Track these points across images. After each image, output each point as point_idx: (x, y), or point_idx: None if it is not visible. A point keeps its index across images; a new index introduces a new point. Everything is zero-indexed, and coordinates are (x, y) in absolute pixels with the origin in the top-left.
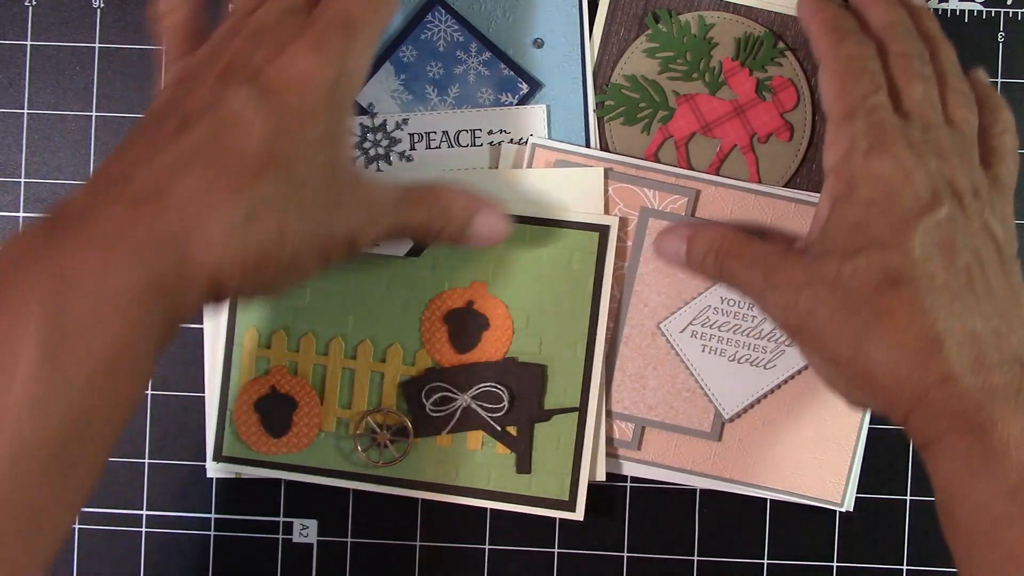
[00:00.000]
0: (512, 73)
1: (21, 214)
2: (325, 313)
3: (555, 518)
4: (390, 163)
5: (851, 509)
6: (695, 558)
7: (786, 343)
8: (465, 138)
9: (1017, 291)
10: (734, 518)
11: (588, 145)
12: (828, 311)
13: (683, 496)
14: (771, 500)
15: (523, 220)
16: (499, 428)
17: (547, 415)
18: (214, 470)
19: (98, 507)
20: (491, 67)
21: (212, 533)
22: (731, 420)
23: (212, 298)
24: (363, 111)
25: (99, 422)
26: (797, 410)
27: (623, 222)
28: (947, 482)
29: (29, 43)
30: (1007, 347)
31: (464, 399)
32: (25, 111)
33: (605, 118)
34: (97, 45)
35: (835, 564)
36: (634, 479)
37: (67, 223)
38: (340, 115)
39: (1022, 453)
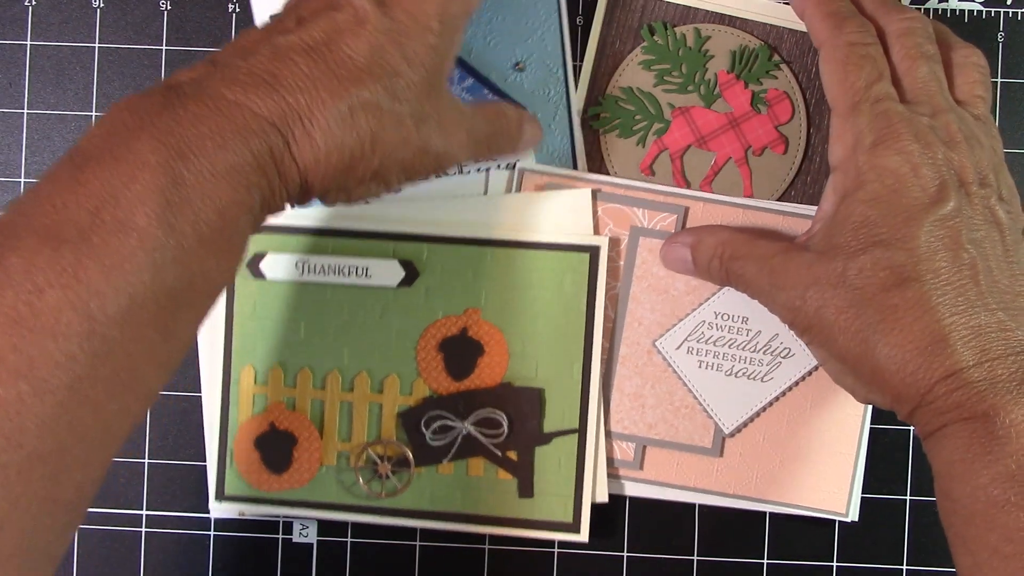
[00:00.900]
0: (495, 98)
1: None
2: (320, 347)
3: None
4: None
5: (856, 519)
6: (695, 558)
7: (782, 355)
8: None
9: (1021, 281)
10: (735, 524)
11: (575, 166)
12: (835, 310)
13: (685, 509)
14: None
15: (514, 244)
16: (500, 454)
17: (547, 438)
18: (218, 510)
19: (98, 507)
20: (474, 92)
21: (212, 533)
22: (731, 435)
23: (298, 193)
24: None
25: (200, 288)
26: (797, 421)
27: (614, 242)
28: (948, 465)
29: (29, 43)
30: (1012, 339)
31: (463, 426)
32: (25, 111)
33: (601, 130)
34: (97, 45)
35: (835, 564)
36: (635, 498)
37: (184, 94)
38: (449, 34)
39: (1023, 440)
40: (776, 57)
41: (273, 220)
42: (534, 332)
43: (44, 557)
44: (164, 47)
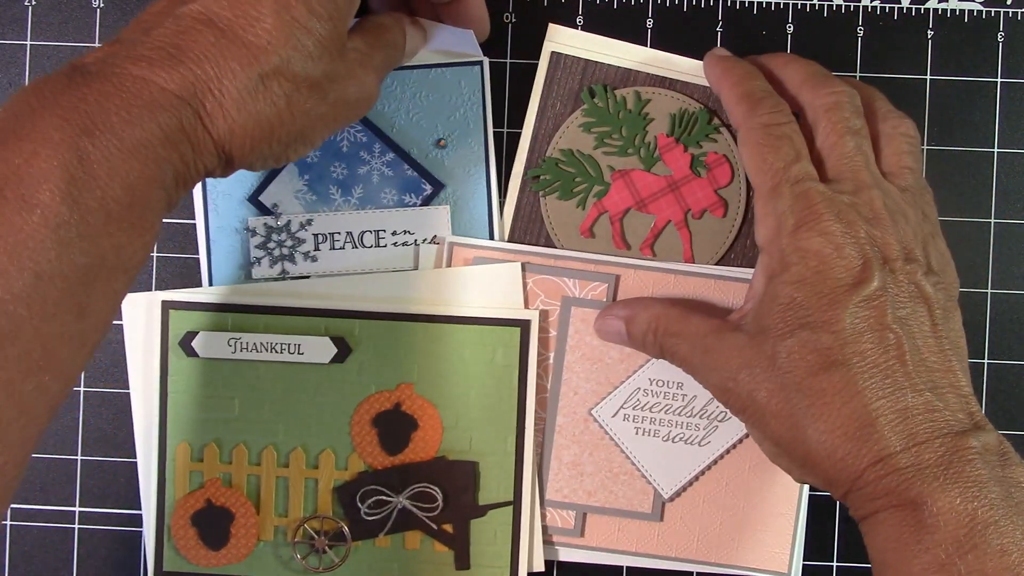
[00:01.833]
0: (415, 174)
1: None
2: (255, 423)
3: None
4: (295, 263)
5: None
6: None
7: (719, 419)
8: (369, 239)
9: (949, 357)
10: None
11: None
12: (766, 394)
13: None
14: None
15: (445, 319)
16: (435, 527)
17: (482, 511)
18: None
19: (98, 507)
20: (394, 168)
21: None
22: (671, 499)
23: (222, 165)
24: (267, 211)
25: (112, 264)
26: (736, 484)
27: (545, 313)
28: (881, 554)
29: (29, 43)
30: (939, 420)
31: (399, 500)
32: None
33: (541, 192)
34: (97, 45)
35: None
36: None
37: (89, 73)
38: None
39: (951, 528)
40: (716, 120)
41: (204, 297)
42: (467, 405)
43: None
44: None
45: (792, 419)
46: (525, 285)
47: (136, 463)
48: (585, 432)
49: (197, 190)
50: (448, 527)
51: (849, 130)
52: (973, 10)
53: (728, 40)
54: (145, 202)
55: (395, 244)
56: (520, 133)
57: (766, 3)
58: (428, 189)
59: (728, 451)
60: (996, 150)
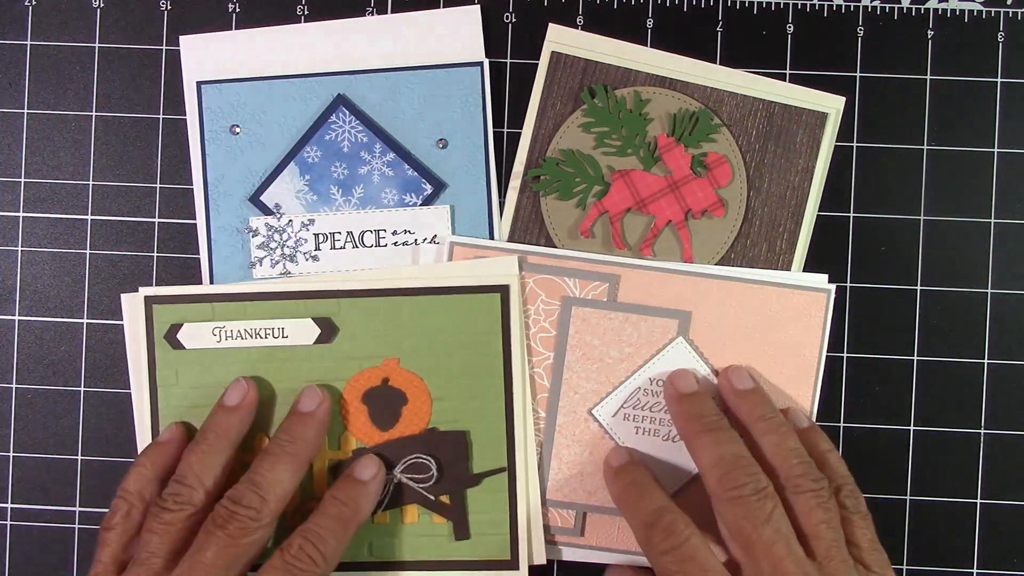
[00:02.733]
0: (416, 174)
1: (21, 214)
2: None
3: None
4: (296, 263)
5: None
6: None
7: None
8: (370, 238)
9: None
10: None
11: (492, 238)
12: None
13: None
14: None
15: (426, 292)
16: (433, 498)
17: (477, 479)
18: None
19: (98, 507)
20: (395, 168)
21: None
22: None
23: None
24: (268, 211)
25: None
26: None
27: (547, 312)
28: None
29: (29, 43)
30: None
31: (394, 475)
32: (25, 111)
33: (540, 192)
34: (97, 45)
35: None
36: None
37: None
38: None
39: None
40: (716, 120)
41: (187, 290)
42: (454, 376)
43: None
44: (164, 47)
45: None
46: (526, 284)
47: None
48: (585, 432)
49: (198, 190)
50: (444, 498)
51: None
52: (973, 10)
53: (728, 40)
54: None
55: (395, 244)
56: (520, 133)
57: (766, 3)
58: (428, 189)
59: None
60: (996, 150)
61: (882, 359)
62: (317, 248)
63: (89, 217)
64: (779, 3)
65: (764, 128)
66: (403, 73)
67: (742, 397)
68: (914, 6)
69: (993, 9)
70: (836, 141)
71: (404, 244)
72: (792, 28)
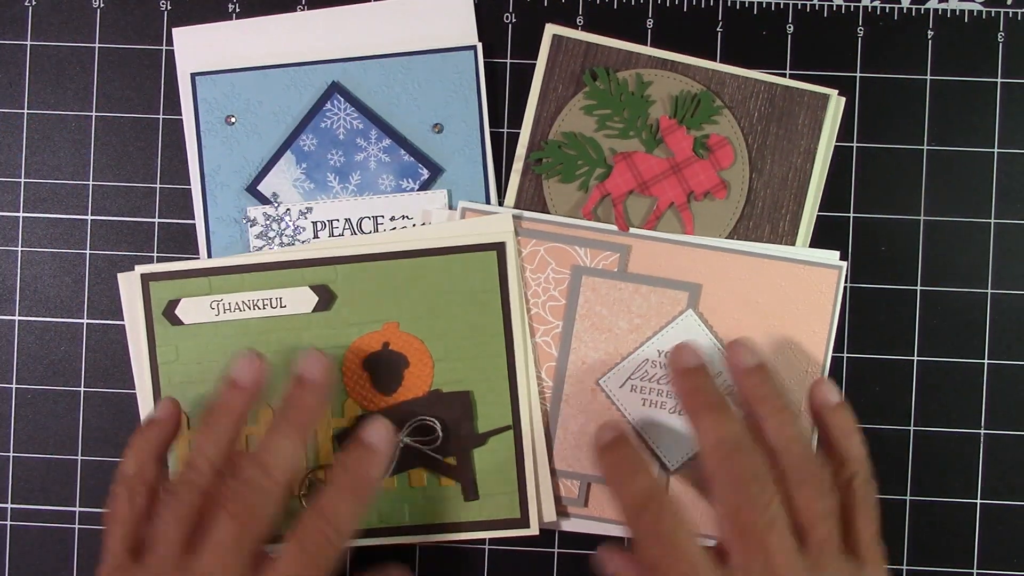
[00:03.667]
0: (412, 159)
1: (21, 214)
2: None
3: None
4: None
5: None
6: None
7: (726, 393)
8: (368, 225)
9: None
10: None
11: None
12: None
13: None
14: None
15: (422, 253)
16: (440, 458)
17: (482, 439)
18: None
19: (98, 507)
20: (391, 153)
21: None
22: (676, 471)
23: None
24: (266, 200)
25: None
26: None
27: (557, 281)
28: None
29: (29, 43)
30: None
31: (399, 438)
32: (25, 111)
33: (543, 175)
34: (97, 45)
35: None
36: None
37: None
38: None
39: None
40: (718, 102)
41: (183, 266)
42: (454, 336)
43: None
44: (164, 47)
45: None
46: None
47: None
48: (592, 402)
49: (195, 180)
50: (451, 460)
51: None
52: (973, 10)
53: (728, 40)
54: None
55: (393, 230)
56: (520, 130)
57: (766, 3)
58: (425, 174)
59: None
60: (996, 150)
61: (882, 359)
62: (315, 236)
63: (89, 217)
64: (779, 3)
65: (766, 110)
66: (397, 59)
67: (746, 375)
68: (914, 6)
69: (993, 9)
70: (836, 141)
71: (403, 230)
72: (792, 28)
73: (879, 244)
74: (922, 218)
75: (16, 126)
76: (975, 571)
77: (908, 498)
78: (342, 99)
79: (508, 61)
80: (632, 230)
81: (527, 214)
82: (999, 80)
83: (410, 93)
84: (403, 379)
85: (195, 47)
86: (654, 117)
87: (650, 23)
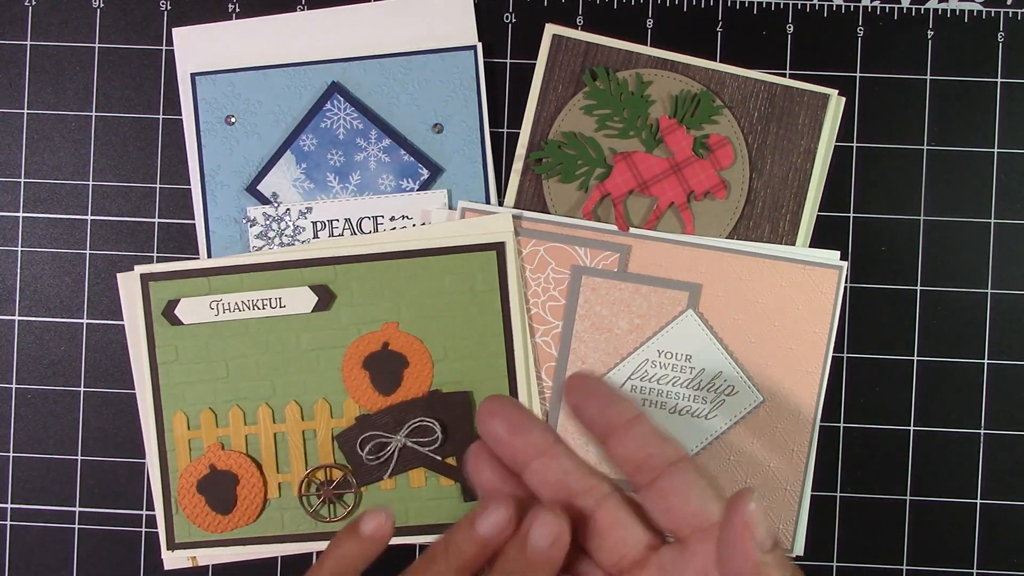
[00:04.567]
0: (412, 159)
1: (21, 214)
2: (247, 383)
3: None
4: None
5: (802, 553)
6: None
7: (726, 393)
8: (368, 225)
9: None
10: None
11: None
12: None
13: None
14: None
15: (422, 253)
16: (439, 460)
17: None
18: (171, 560)
19: (98, 507)
20: (391, 153)
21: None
22: None
23: None
24: (266, 200)
25: None
26: (741, 458)
27: (556, 281)
28: None
29: (29, 43)
30: None
31: (398, 439)
32: (25, 111)
33: (543, 175)
34: (97, 45)
35: None
36: None
37: None
38: None
39: None
40: (718, 102)
41: (183, 266)
42: (454, 336)
43: None
44: (164, 47)
45: None
46: (535, 254)
47: (136, 461)
48: None
49: (195, 180)
50: (451, 460)
51: None
52: (973, 10)
53: (728, 40)
54: None
55: (393, 230)
56: (520, 130)
57: (766, 3)
58: (425, 174)
59: (734, 425)
60: (996, 150)
61: (882, 359)
62: (315, 236)
63: (89, 217)
64: (779, 3)
65: (766, 109)
66: (397, 59)
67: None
68: (914, 6)
69: (993, 9)
70: (836, 141)
71: (402, 229)
72: (792, 28)
73: (879, 244)
74: (922, 218)
75: (16, 126)
76: (975, 571)
77: (908, 498)
78: (342, 99)
79: (508, 61)
80: (632, 230)
81: (527, 214)
82: (999, 80)
83: (410, 93)
84: (403, 379)
85: (195, 47)
86: (654, 117)
87: (650, 23)
